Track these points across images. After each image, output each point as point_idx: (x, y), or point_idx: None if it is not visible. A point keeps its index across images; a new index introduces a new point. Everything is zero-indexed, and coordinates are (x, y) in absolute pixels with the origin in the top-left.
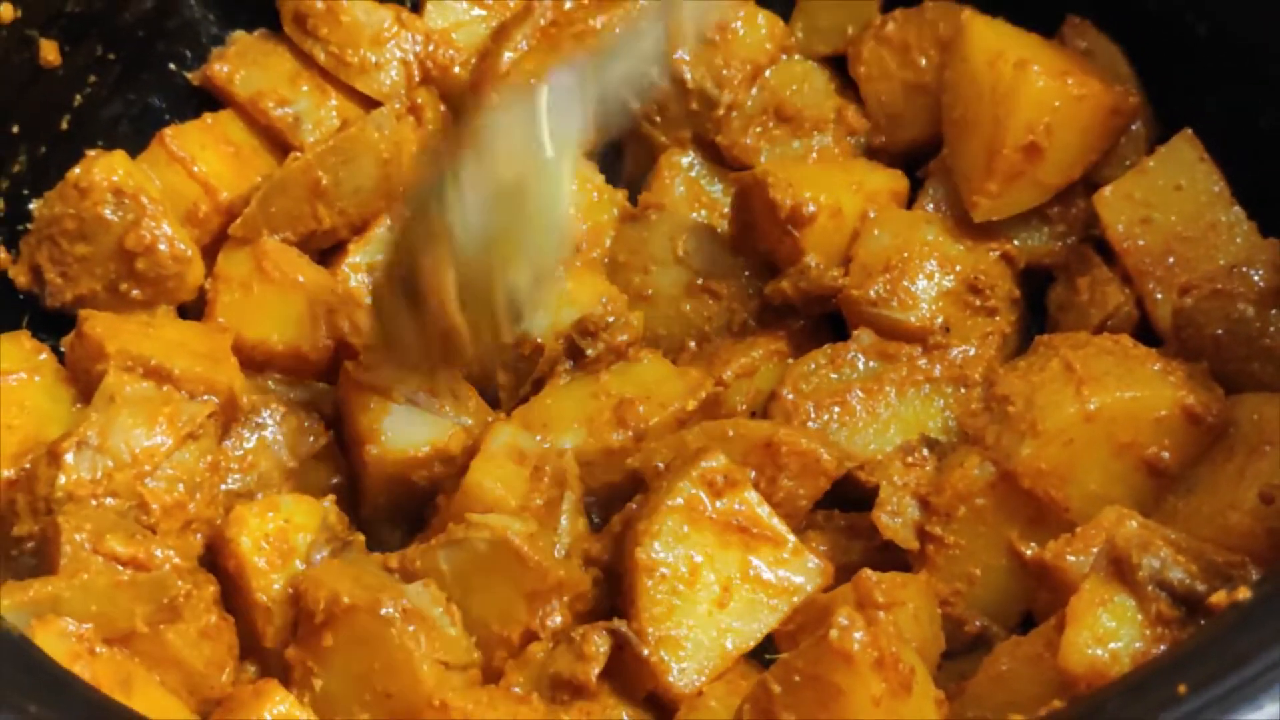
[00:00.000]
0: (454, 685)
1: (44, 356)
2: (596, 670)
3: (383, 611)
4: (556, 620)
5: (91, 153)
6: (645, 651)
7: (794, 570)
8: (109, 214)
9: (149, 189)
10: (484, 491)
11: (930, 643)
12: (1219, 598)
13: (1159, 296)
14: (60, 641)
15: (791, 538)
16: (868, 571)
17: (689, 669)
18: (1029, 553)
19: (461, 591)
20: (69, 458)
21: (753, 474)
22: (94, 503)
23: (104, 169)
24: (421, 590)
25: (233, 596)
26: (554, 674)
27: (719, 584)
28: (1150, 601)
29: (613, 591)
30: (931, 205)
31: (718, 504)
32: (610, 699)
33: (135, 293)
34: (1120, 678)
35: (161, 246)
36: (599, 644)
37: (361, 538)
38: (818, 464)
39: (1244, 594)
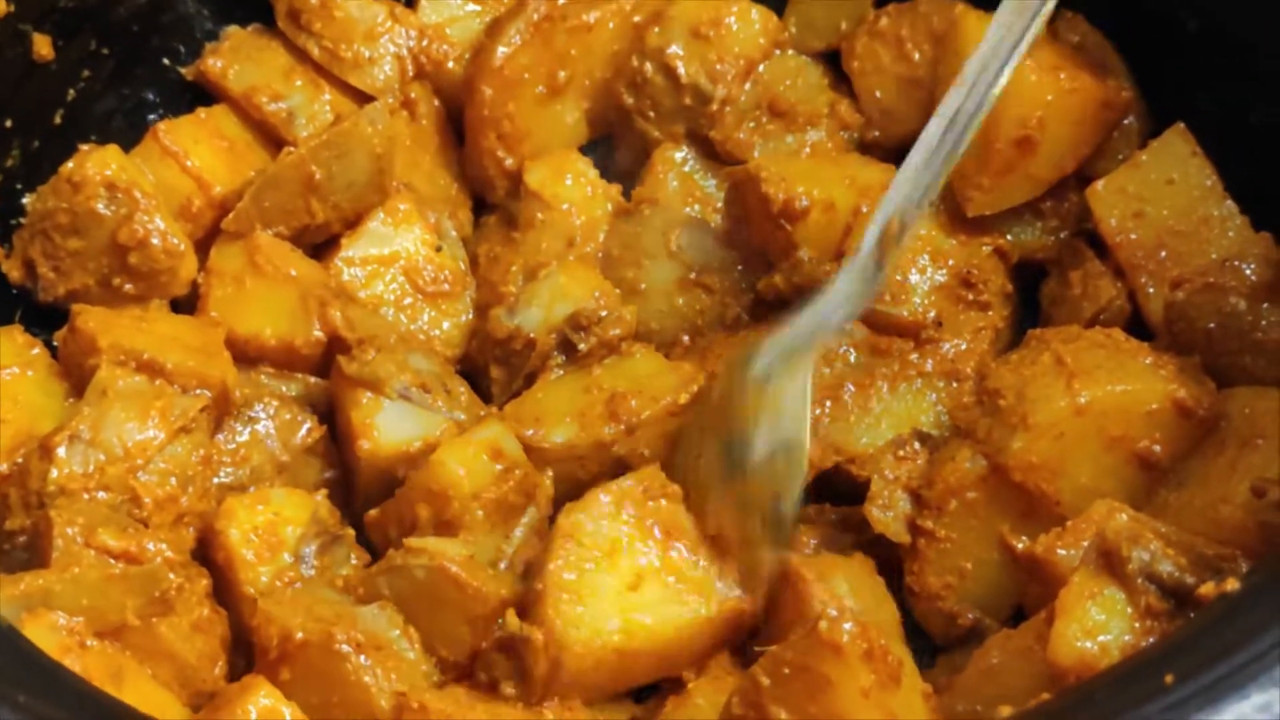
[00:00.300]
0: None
1: (37, 351)
2: (502, 679)
3: (336, 646)
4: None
5: (84, 147)
6: (526, 630)
7: (709, 583)
8: (102, 209)
9: (142, 183)
10: (444, 470)
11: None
12: (1208, 589)
13: (1151, 290)
14: (51, 635)
15: (708, 553)
16: (787, 555)
17: (584, 630)
18: (1020, 546)
19: (407, 616)
20: (61, 451)
21: None
22: (86, 496)
23: (97, 163)
24: (378, 613)
25: (222, 589)
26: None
27: (633, 571)
28: (1140, 594)
29: None
30: None
31: (649, 503)
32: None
33: (128, 287)
34: (1108, 669)
35: (154, 241)
36: (497, 661)
37: (351, 532)
38: None
39: (1232, 585)
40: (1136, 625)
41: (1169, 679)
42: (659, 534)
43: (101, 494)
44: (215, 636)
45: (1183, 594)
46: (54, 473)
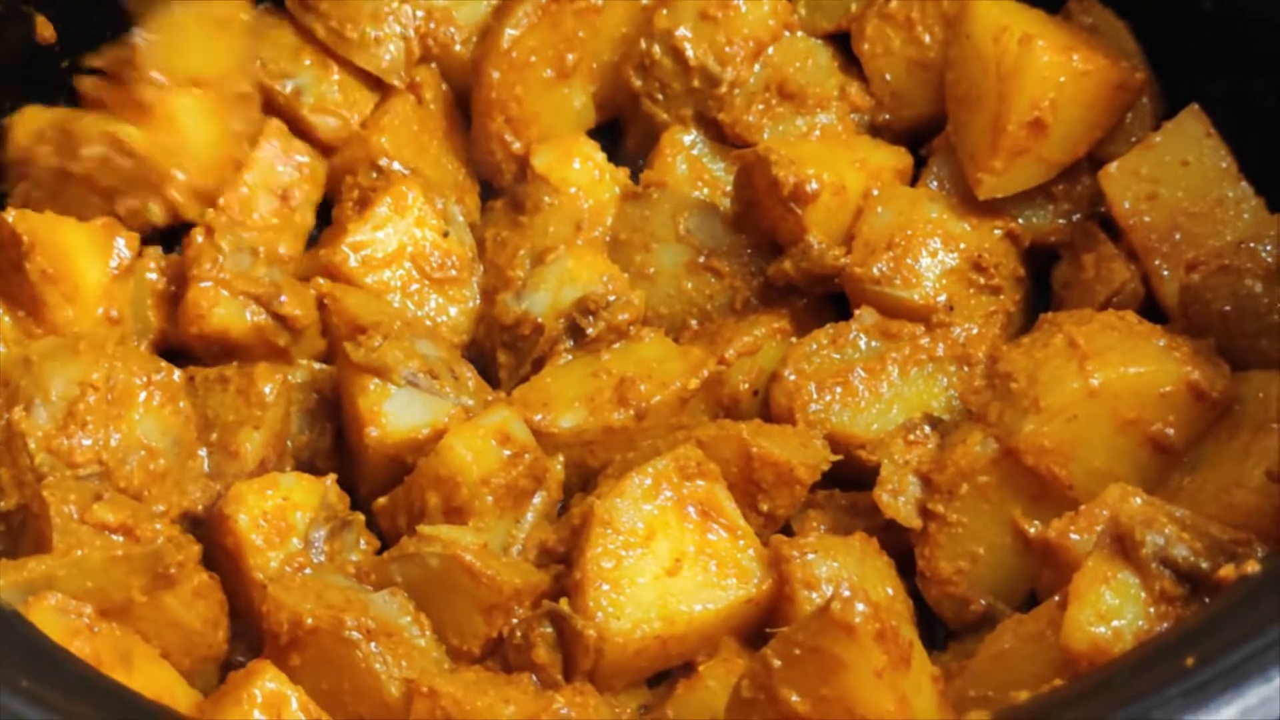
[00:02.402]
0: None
1: None
2: (541, 652)
3: (346, 633)
4: (514, 622)
5: (6, 120)
6: (580, 625)
7: (749, 562)
8: (54, 161)
9: (66, 115)
10: (453, 455)
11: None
12: (1228, 571)
13: (1165, 273)
14: (58, 618)
15: (747, 531)
16: (779, 537)
17: (625, 621)
18: (1032, 530)
19: (418, 604)
20: (29, 419)
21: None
22: (66, 441)
23: (22, 128)
24: (389, 599)
25: (231, 575)
26: (515, 668)
27: (671, 555)
28: (1154, 579)
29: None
30: (935, 183)
31: (685, 486)
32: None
33: (131, 203)
34: (1128, 652)
35: (107, 152)
36: (540, 628)
37: (361, 517)
38: (791, 474)
39: (1253, 567)
40: (1151, 610)
41: (1190, 661)
42: (696, 515)
43: (84, 440)
44: (215, 601)
45: (1198, 578)
46: (35, 437)
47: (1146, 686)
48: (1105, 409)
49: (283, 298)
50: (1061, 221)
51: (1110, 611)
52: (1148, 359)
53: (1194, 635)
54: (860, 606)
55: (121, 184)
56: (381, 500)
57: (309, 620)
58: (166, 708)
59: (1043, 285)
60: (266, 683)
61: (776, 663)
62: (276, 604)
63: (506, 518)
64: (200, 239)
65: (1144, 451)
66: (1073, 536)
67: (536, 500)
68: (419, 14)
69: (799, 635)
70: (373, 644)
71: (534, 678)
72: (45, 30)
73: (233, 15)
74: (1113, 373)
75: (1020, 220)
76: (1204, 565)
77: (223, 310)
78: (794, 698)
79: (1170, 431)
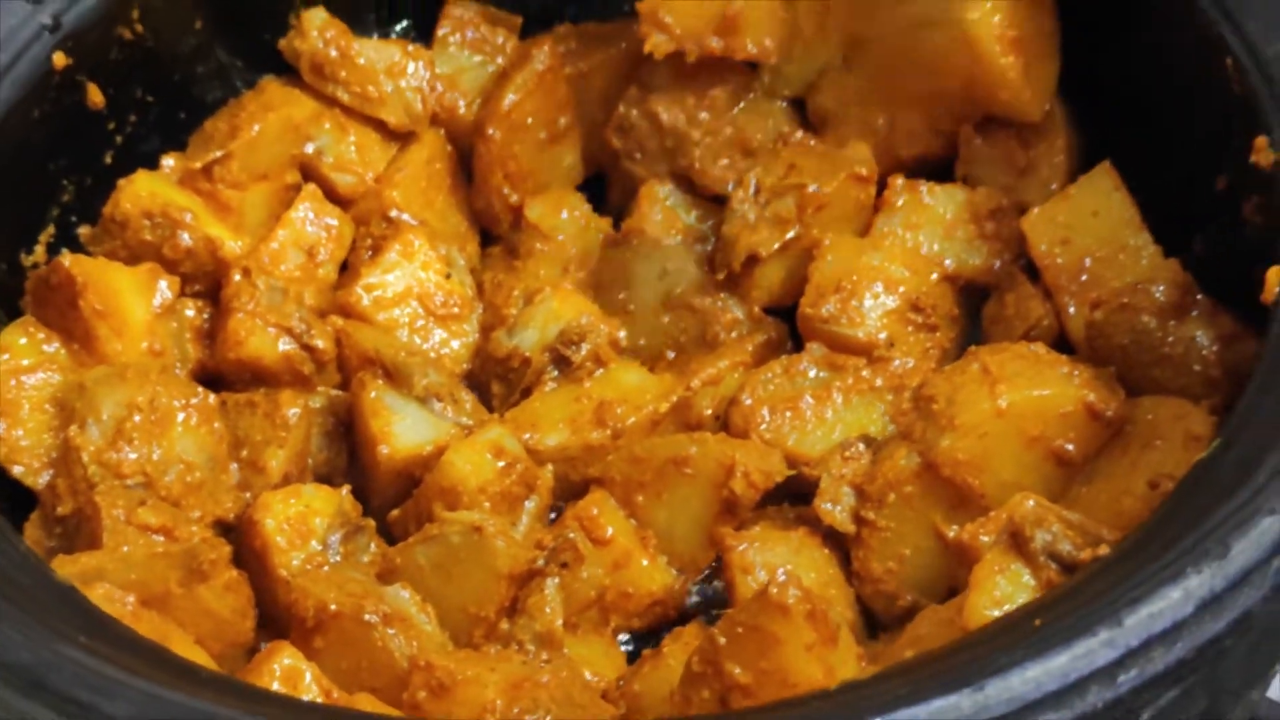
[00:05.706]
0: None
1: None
2: (559, 621)
3: (366, 617)
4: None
5: (121, 181)
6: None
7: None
8: (150, 237)
9: (175, 199)
10: (453, 469)
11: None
12: (1086, 554)
13: (1072, 310)
14: (106, 604)
15: None
16: (725, 529)
17: None
18: (951, 534)
19: (440, 580)
20: (83, 435)
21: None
22: (115, 455)
23: (131, 199)
24: (400, 592)
25: (258, 572)
26: (534, 636)
27: None
28: (1042, 570)
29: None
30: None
31: None
32: (584, 643)
33: (197, 286)
34: (994, 620)
35: (198, 250)
36: (549, 591)
37: (372, 523)
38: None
39: (1103, 550)
40: (1038, 596)
41: (1037, 623)
42: None
43: (131, 454)
44: (243, 595)
45: (1076, 567)
46: (89, 450)
47: (1001, 644)
48: (1012, 427)
49: (312, 332)
50: (995, 263)
51: (1004, 597)
52: (1051, 383)
53: (1046, 604)
54: (794, 591)
55: (198, 274)
56: (395, 512)
57: (333, 606)
58: (200, 665)
59: (977, 321)
60: (285, 659)
61: (722, 640)
62: (304, 593)
63: (503, 520)
64: (238, 277)
65: (1048, 465)
66: (982, 538)
67: (529, 505)
68: (425, 74)
69: (741, 615)
70: (389, 628)
71: (525, 649)
72: (96, 97)
73: (300, 119)
74: (1019, 395)
75: (953, 264)
76: (1082, 556)
77: (258, 339)
78: (736, 670)
79: (1070, 447)
